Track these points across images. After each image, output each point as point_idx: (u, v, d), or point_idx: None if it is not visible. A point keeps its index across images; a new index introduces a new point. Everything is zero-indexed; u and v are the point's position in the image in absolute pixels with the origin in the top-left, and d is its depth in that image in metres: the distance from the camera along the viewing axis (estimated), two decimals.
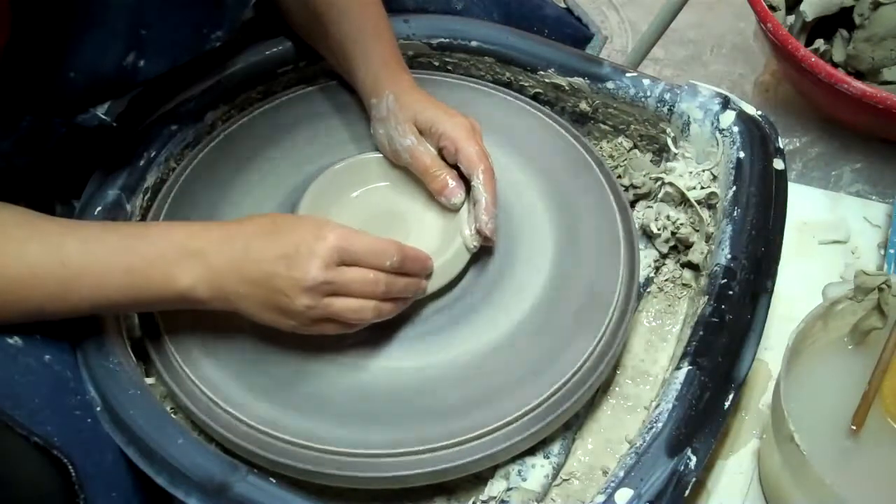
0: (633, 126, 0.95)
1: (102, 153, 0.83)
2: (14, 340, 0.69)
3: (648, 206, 0.91)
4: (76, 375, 0.71)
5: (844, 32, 1.22)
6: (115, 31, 0.73)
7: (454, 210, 0.81)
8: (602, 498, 0.64)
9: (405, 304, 0.75)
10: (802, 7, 1.20)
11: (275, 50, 0.95)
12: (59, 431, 0.67)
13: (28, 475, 0.67)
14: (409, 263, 0.72)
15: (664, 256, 0.91)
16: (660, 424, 0.67)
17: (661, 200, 0.90)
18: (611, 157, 0.96)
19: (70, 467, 0.67)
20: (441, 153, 0.82)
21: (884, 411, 0.76)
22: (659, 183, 0.90)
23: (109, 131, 0.79)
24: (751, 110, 0.88)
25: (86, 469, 0.68)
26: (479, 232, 0.79)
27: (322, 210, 0.82)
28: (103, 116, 0.77)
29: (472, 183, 0.79)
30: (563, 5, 1.10)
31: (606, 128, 0.97)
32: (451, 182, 0.81)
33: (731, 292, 0.75)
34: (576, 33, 1.07)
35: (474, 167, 0.79)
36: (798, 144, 1.24)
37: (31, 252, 0.66)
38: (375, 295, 0.70)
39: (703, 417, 0.68)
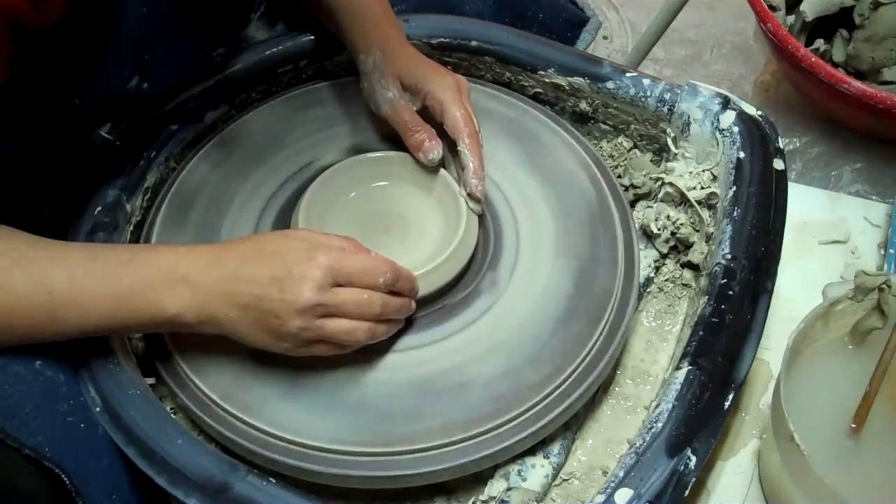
0: (633, 126, 0.95)
1: (102, 157, 0.83)
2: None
3: (648, 206, 0.91)
4: (69, 378, 0.70)
5: (844, 32, 1.22)
6: (120, 59, 0.73)
7: (430, 166, 0.82)
8: (602, 498, 0.64)
9: (398, 325, 0.74)
10: (802, 7, 1.21)
11: (274, 50, 0.95)
12: (51, 440, 0.66)
13: (21, 487, 0.66)
14: (402, 282, 0.72)
15: (664, 256, 0.91)
16: (660, 424, 0.67)
17: (661, 200, 0.89)
18: (611, 157, 0.96)
19: (63, 476, 0.66)
20: (427, 111, 0.82)
21: (890, 411, 0.76)
22: (659, 183, 0.90)
23: (112, 147, 0.79)
24: (751, 110, 0.88)
25: (82, 475, 0.68)
26: (470, 196, 0.80)
27: (322, 210, 0.82)
28: (106, 135, 0.78)
29: (458, 148, 0.79)
30: None
31: (606, 128, 0.97)
32: (428, 139, 0.81)
33: (731, 292, 0.75)
34: (571, 17, 1.07)
35: (459, 132, 0.79)
36: (798, 144, 1.24)
37: (17, 281, 0.65)
38: (370, 316, 0.69)
39: (703, 417, 0.68)
